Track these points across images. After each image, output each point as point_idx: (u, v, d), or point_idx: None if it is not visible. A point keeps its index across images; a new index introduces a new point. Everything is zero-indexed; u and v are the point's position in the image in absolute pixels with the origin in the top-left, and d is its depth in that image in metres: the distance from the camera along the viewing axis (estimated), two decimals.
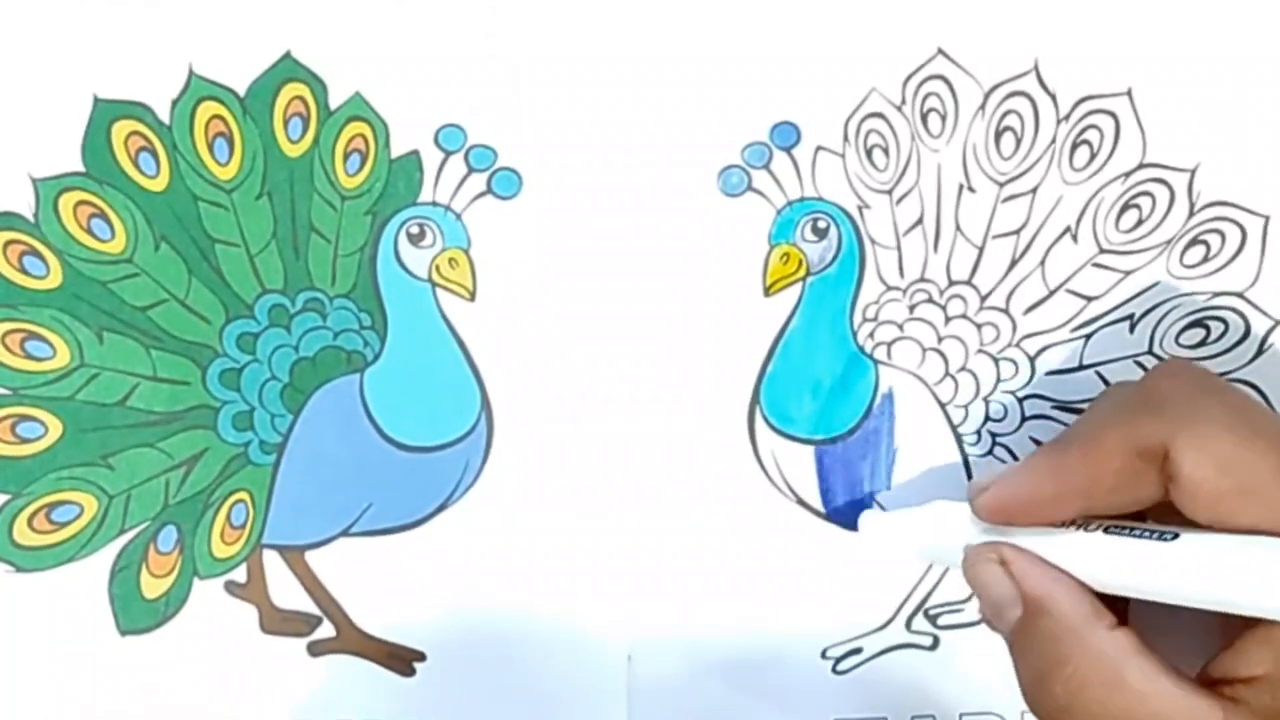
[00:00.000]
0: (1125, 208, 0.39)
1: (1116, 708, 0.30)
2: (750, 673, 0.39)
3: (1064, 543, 0.32)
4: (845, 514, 0.39)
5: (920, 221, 0.39)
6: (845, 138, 0.39)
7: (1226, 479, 0.30)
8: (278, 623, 0.39)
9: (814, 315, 0.39)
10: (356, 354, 0.39)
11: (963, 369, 0.40)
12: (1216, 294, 0.39)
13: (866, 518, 0.38)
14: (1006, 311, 0.40)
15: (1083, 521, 0.33)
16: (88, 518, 0.39)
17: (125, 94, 0.39)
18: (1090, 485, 0.32)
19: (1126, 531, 0.32)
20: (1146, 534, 0.31)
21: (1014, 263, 0.40)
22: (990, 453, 0.40)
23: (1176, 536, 0.31)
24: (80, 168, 0.39)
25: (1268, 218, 0.39)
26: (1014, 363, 0.40)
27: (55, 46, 0.39)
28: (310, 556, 0.39)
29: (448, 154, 0.39)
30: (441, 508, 0.39)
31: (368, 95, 0.39)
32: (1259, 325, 0.40)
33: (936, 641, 0.40)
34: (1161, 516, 0.32)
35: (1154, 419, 0.31)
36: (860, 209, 0.39)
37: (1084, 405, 0.39)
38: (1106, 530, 0.32)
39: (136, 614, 0.39)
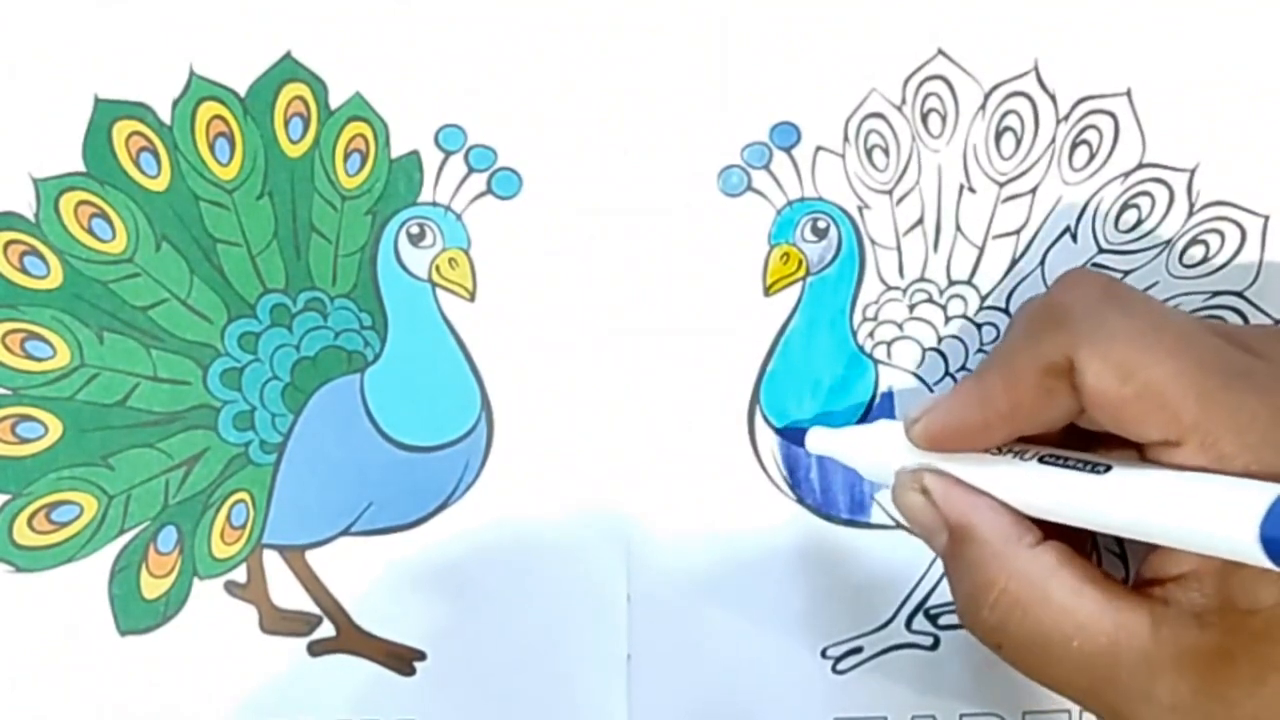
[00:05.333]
0: (1125, 208, 0.39)
1: (1045, 625, 0.31)
2: (750, 673, 0.39)
3: (997, 471, 0.33)
4: (845, 514, 0.39)
5: (920, 221, 0.39)
6: (845, 138, 0.39)
7: (1128, 386, 0.30)
8: (278, 623, 0.39)
9: (814, 315, 0.39)
10: (357, 354, 0.39)
11: (962, 369, 0.40)
12: (1216, 294, 0.39)
13: (814, 434, 0.38)
14: (1006, 311, 0.40)
15: (1020, 449, 0.33)
16: (88, 518, 0.39)
17: (126, 94, 0.39)
18: (1012, 409, 0.32)
19: (1060, 462, 0.32)
20: (1079, 465, 0.31)
21: (1014, 263, 0.40)
22: None
23: (1109, 469, 0.31)
24: (81, 168, 0.39)
25: (1267, 218, 0.39)
26: None
27: (55, 46, 0.39)
28: (310, 556, 0.39)
29: (448, 154, 0.39)
30: (441, 508, 0.39)
31: (368, 95, 0.39)
32: None
33: (936, 641, 0.40)
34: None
35: (1057, 334, 0.31)
36: (860, 209, 0.39)
37: None
38: (1041, 459, 0.32)
39: (136, 614, 0.39)
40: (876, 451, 0.36)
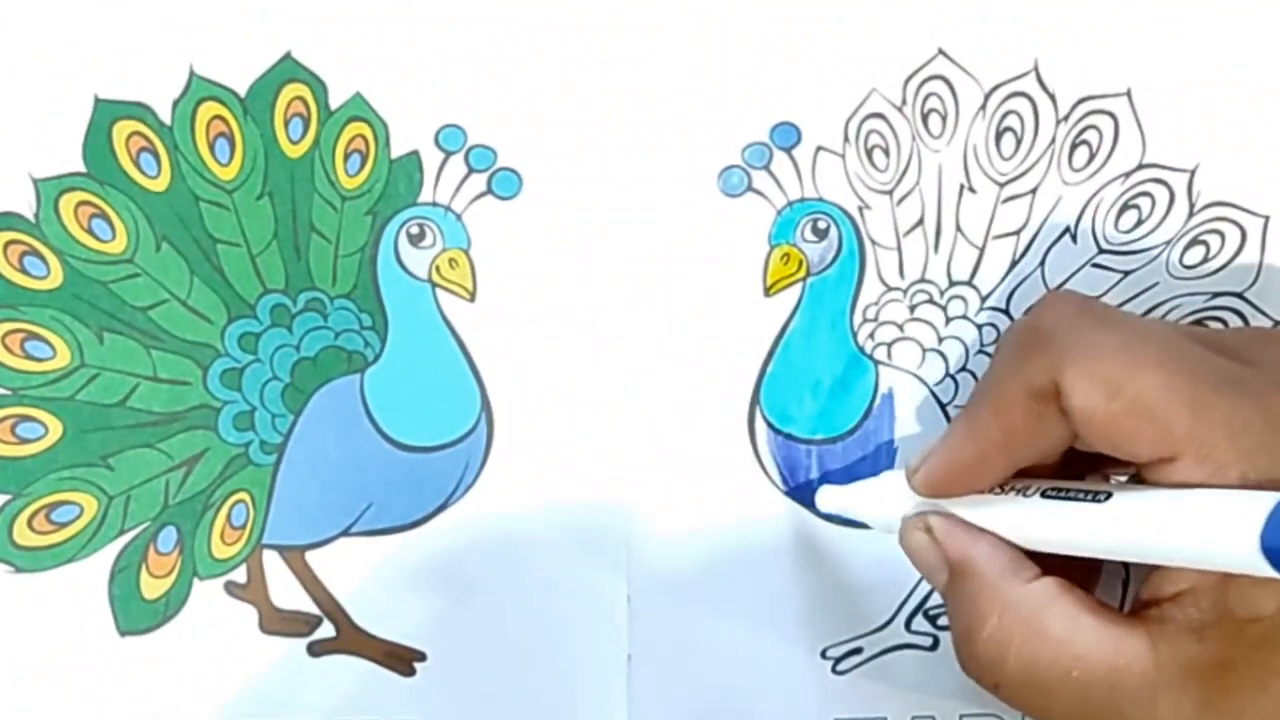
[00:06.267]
0: (1125, 208, 0.39)
1: (1042, 658, 0.31)
2: (750, 673, 0.39)
3: (999, 509, 0.33)
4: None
5: (921, 222, 0.40)
6: (845, 138, 0.39)
7: (1116, 403, 0.30)
8: (278, 623, 0.39)
9: (814, 315, 0.39)
10: (357, 354, 0.39)
11: (963, 369, 0.40)
12: (1216, 294, 0.39)
13: (823, 492, 0.38)
14: (1007, 312, 0.40)
15: (1022, 486, 0.33)
16: (88, 518, 0.39)
17: (126, 94, 0.39)
18: (1006, 438, 0.32)
19: (1061, 494, 0.32)
20: (1080, 495, 0.31)
21: (1014, 263, 0.40)
22: None
23: (1109, 497, 0.30)
24: (81, 168, 0.39)
25: (1268, 218, 0.39)
26: None
27: (55, 46, 0.39)
28: (310, 556, 0.39)
29: (448, 154, 0.39)
30: (441, 508, 0.39)
31: (368, 95, 0.39)
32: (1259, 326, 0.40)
33: (936, 642, 0.40)
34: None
35: (1041, 357, 0.31)
36: (860, 209, 0.39)
37: None
38: (1043, 494, 0.32)
39: (136, 614, 0.39)
40: (884, 504, 0.36)
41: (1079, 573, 0.32)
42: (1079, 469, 0.33)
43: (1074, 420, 0.30)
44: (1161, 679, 0.29)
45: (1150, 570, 0.31)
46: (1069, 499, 0.31)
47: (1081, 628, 0.30)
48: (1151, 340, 0.30)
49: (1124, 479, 0.32)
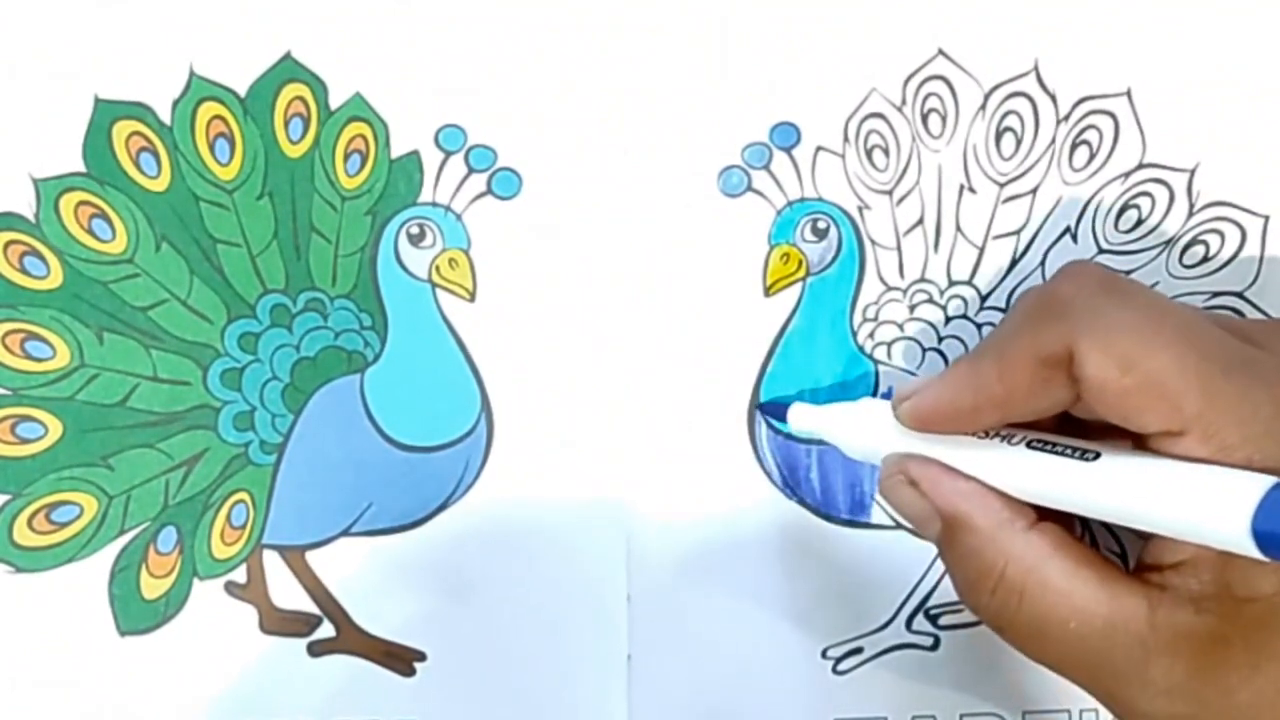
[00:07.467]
0: (1125, 208, 0.39)
1: (1042, 608, 0.31)
2: (750, 673, 0.39)
3: (985, 455, 0.33)
4: (845, 514, 0.39)
5: (920, 222, 0.40)
6: (845, 138, 0.39)
7: (1129, 377, 0.30)
8: (278, 623, 0.39)
9: (814, 315, 0.39)
10: (357, 354, 0.39)
11: None
12: (1216, 294, 0.39)
13: (796, 410, 0.38)
14: (1006, 312, 0.40)
15: (1007, 433, 0.33)
16: (88, 518, 0.39)
17: (126, 94, 0.39)
18: (1006, 395, 0.32)
19: (1049, 448, 0.32)
20: (1068, 451, 0.31)
21: (1014, 263, 0.40)
22: None
23: (1098, 456, 0.31)
24: (81, 168, 0.39)
25: (1267, 218, 0.39)
26: None
27: (56, 46, 0.39)
28: (310, 556, 0.39)
29: (448, 154, 0.39)
30: (441, 508, 0.39)
31: (368, 95, 0.39)
32: None
33: (937, 641, 0.40)
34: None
35: (1057, 325, 0.31)
36: (860, 209, 0.39)
37: None
38: (1029, 444, 0.32)
39: (136, 614, 0.39)
40: (862, 430, 0.36)
41: (1061, 523, 0.32)
42: (1068, 432, 0.33)
43: (1084, 389, 0.31)
44: (1156, 641, 0.30)
45: (1150, 536, 0.31)
46: (1055, 453, 0.31)
47: (1081, 580, 0.31)
48: (1169, 319, 0.31)
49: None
